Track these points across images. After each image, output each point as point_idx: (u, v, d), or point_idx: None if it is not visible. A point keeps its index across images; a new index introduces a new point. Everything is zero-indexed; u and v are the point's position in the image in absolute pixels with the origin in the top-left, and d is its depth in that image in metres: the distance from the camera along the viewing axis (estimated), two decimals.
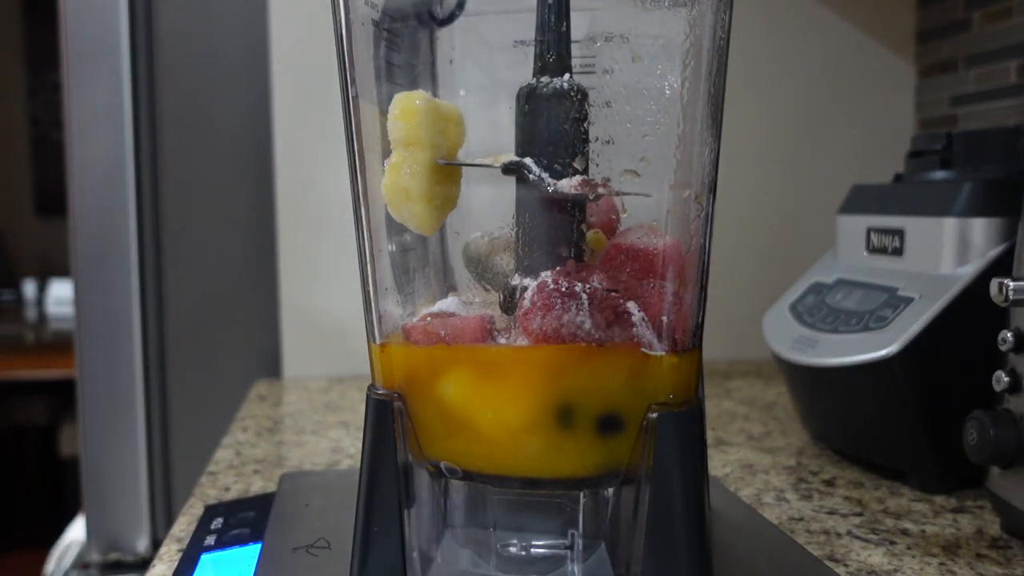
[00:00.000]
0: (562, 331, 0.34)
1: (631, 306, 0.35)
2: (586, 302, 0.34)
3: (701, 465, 0.36)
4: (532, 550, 0.38)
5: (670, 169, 0.36)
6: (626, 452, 0.36)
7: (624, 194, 0.37)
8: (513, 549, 0.38)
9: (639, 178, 0.37)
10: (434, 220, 0.37)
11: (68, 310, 1.26)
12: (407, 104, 0.37)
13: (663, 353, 0.35)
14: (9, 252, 3.04)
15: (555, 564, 0.37)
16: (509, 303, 0.36)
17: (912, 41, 0.95)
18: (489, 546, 0.38)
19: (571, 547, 0.37)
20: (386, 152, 0.37)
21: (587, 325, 0.34)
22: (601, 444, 0.36)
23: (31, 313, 2.59)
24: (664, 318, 0.35)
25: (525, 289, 0.35)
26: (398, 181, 0.37)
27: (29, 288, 2.71)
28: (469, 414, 0.36)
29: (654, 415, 0.35)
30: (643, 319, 0.35)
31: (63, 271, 2.43)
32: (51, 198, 3.02)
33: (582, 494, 0.37)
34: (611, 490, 0.37)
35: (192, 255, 0.91)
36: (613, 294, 0.35)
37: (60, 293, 2.50)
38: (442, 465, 0.37)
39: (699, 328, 0.37)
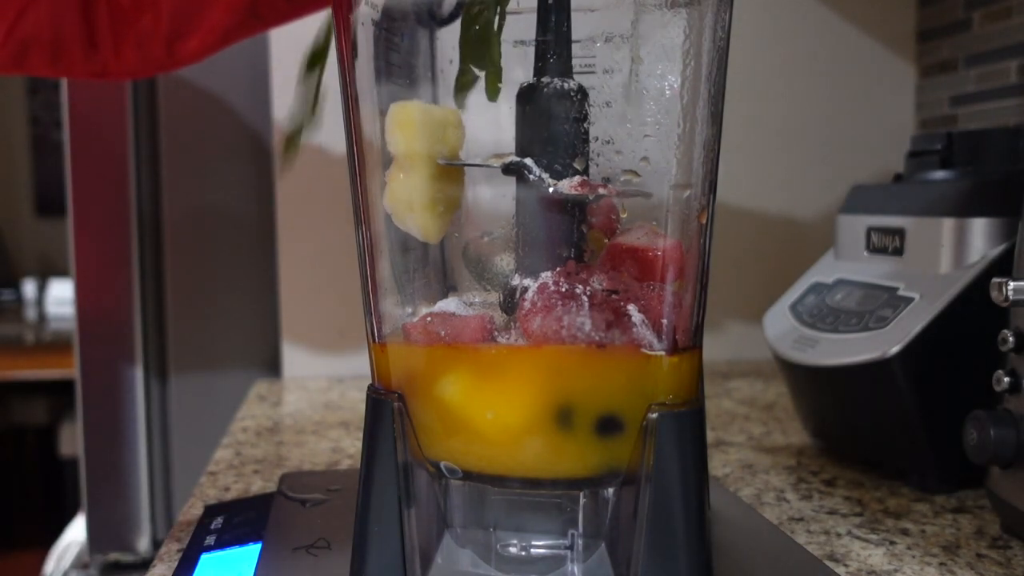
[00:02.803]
0: (562, 332, 0.34)
1: (631, 307, 0.35)
2: (586, 303, 0.34)
3: (701, 465, 0.36)
4: (532, 550, 0.38)
5: (670, 169, 0.36)
6: (626, 453, 0.36)
7: (625, 194, 0.37)
8: (513, 549, 0.38)
9: (639, 178, 0.37)
10: (439, 228, 0.37)
11: (68, 310, 1.25)
12: (403, 116, 0.37)
13: (663, 353, 0.35)
14: (9, 252, 3.04)
15: (555, 564, 0.37)
16: (509, 303, 0.36)
17: (912, 41, 0.95)
18: (489, 546, 0.38)
19: (571, 547, 0.37)
20: (386, 153, 0.37)
21: (587, 326, 0.34)
22: (601, 445, 0.36)
23: (31, 313, 2.59)
24: (664, 318, 0.35)
25: (525, 290, 0.35)
26: (400, 193, 0.37)
27: (29, 288, 2.71)
28: (469, 414, 0.36)
29: (654, 415, 0.35)
30: (643, 320, 0.35)
31: (63, 271, 2.42)
32: (51, 198, 3.02)
33: (582, 494, 0.37)
34: (611, 490, 0.37)
35: (192, 255, 0.91)
36: (613, 295, 0.35)
37: (60, 293, 2.49)
38: (442, 465, 0.37)
39: (699, 328, 0.37)
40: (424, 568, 0.37)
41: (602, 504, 0.37)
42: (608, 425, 0.35)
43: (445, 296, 0.40)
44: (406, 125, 0.36)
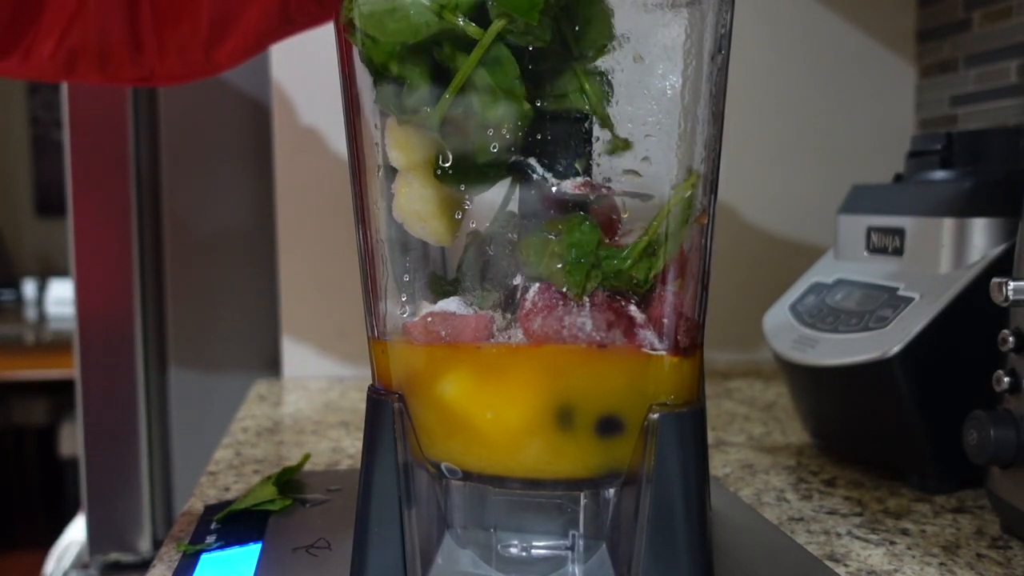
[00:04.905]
0: (563, 332, 0.34)
1: (632, 307, 0.35)
2: (587, 303, 0.34)
3: (702, 466, 0.36)
4: (533, 551, 0.38)
5: (671, 169, 0.36)
6: (626, 453, 0.36)
7: (626, 195, 0.37)
8: (514, 550, 0.38)
9: (640, 178, 0.37)
10: (450, 232, 0.38)
11: (68, 310, 1.25)
12: (400, 132, 0.36)
13: (664, 354, 0.35)
14: (9, 252, 3.03)
15: (556, 565, 0.37)
16: (510, 303, 0.36)
17: (912, 41, 0.95)
18: (490, 547, 0.38)
19: (572, 548, 0.37)
20: (387, 156, 0.37)
21: (588, 326, 0.34)
22: (601, 445, 0.36)
23: (31, 313, 2.59)
24: (665, 319, 0.35)
25: (526, 289, 0.35)
26: (409, 204, 0.37)
27: (29, 288, 2.71)
28: (469, 414, 0.36)
29: (655, 416, 0.35)
30: (644, 320, 0.35)
31: (63, 271, 2.42)
32: (51, 198, 3.02)
33: (583, 495, 0.37)
34: (612, 491, 0.37)
35: (192, 255, 0.91)
36: (615, 296, 0.35)
37: (60, 293, 2.49)
38: (442, 466, 0.37)
39: (700, 328, 0.37)
40: (425, 569, 0.37)
41: (603, 505, 0.37)
42: (609, 425, 0.35)
43: (445, 296, 0.40)
44: (403, 142, 0.36)
